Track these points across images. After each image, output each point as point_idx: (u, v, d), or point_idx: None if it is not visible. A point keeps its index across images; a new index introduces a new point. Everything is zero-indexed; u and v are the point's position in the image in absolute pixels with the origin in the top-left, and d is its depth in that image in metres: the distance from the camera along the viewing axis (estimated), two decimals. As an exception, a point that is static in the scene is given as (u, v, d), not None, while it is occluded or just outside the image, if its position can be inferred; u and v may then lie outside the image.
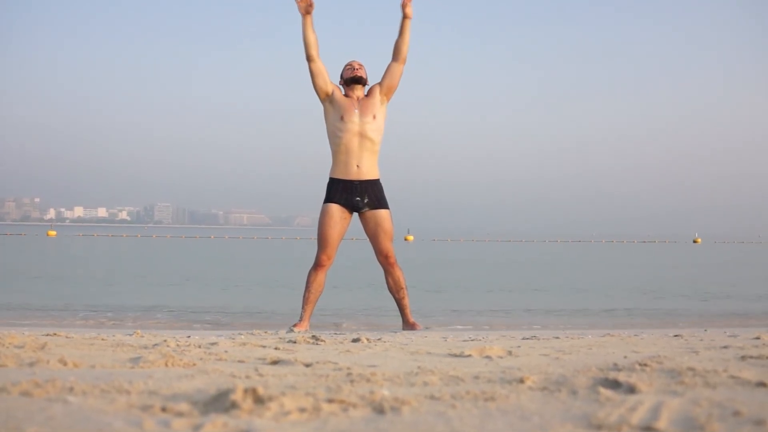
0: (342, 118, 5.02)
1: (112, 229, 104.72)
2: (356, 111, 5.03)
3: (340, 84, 5.18)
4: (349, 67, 5.17)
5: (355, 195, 5.04)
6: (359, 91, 5.11)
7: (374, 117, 5.04)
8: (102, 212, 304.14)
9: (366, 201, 5.05)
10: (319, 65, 5.05)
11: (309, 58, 5.04)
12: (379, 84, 5.13)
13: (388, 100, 5.14)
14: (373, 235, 5.10)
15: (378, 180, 5.12)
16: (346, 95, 5.11)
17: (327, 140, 5.13)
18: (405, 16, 5.06)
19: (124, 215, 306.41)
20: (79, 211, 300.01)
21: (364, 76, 5.13)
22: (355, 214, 5.13)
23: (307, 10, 5.00)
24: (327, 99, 5.08)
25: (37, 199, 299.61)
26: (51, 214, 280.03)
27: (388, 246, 5.11)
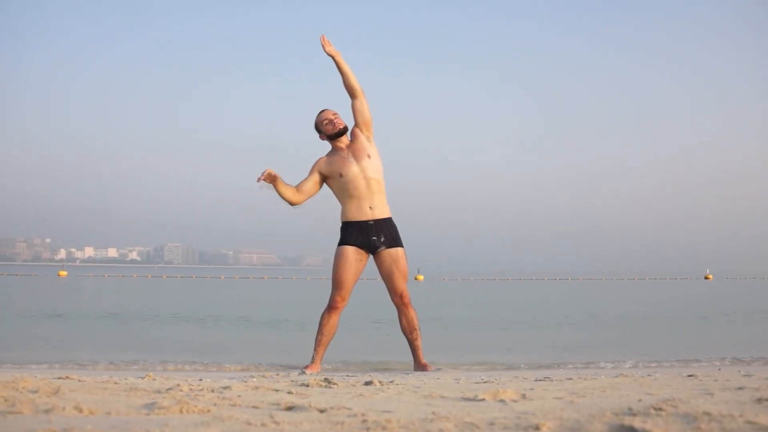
0: (342, 175, 5.03)
1: (122, 269, 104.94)
2: (351, 160, 5.03)
3: (321, 139, 5.16)
4: (327, 120, 5.10)
5: (371, 235, 5.06)
6: (345, 139, 5.10)
7: (369, 157, 5.05)
8: (112, 252, 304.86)
9: (382, 240, 5.07)
10: (307, 194, 5.09)
11: (296, 204, 5.09)
12: (356, 126, 5.12)
13: (372, 135, 5.14)
14: (388, 274, 5.10)
15: (391, 218, 5.15)
16: (334, 148, 5.11)
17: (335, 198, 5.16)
18: (332, 57, 5.07)
19: (134, 255, 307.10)
20: (89, 252, 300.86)
21: (344, 125, 5.11)
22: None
23: (273, 180, 5.00)
24: (323, 183, 5.12)
25: (48, 240, 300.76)
26: (62, 254, 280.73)
27: (403, 286, 5.11)
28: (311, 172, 5.13)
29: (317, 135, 5.19)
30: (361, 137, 5.10)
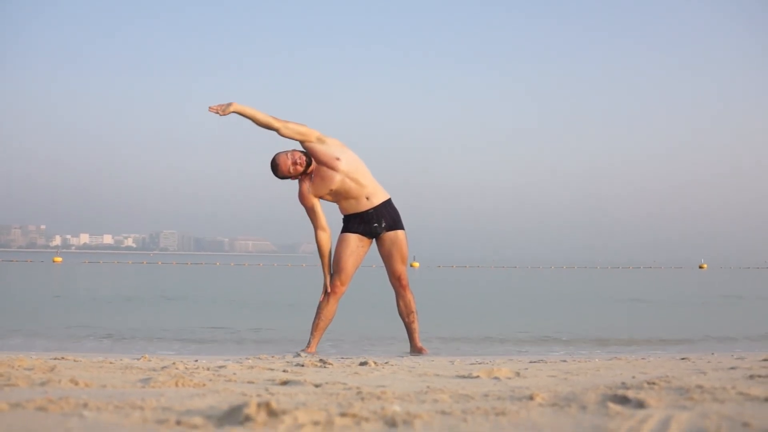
0: (332, 189, 4.97)
1: (117, 256, 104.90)
2: (329, 172, 4.94)
3: (296, 179, 5.02)
4: (291, 164, 4.92)
5: (372, 222, 5.05)
6: (312, 166, 4.98)
7: (338, 159, 4.98)
8: (108, 239, 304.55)
9: (384, 225, 5.08)
10: (324, 220, 5.07)
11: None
12: (303, 144, 5.00)
13: (317, 135, 4.99)
14: (387, 256, 5.11)
15: (389, 199, 5.14)
16: (308, 174, 5.01)
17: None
18: (233, 112, 4.90)
19: (129, 242, 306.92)
20: (84, 238, 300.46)
21: (300, 153, 4.97)
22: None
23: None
24: (321, 201, 5.05)
25: (42, 226, 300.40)
26: (57, 240, 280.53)
27: (402, 268, 5.12)
28: (311, 207, 5.03)
29: (287, 181, 5.05)
30: (317, 147, 4.98)
